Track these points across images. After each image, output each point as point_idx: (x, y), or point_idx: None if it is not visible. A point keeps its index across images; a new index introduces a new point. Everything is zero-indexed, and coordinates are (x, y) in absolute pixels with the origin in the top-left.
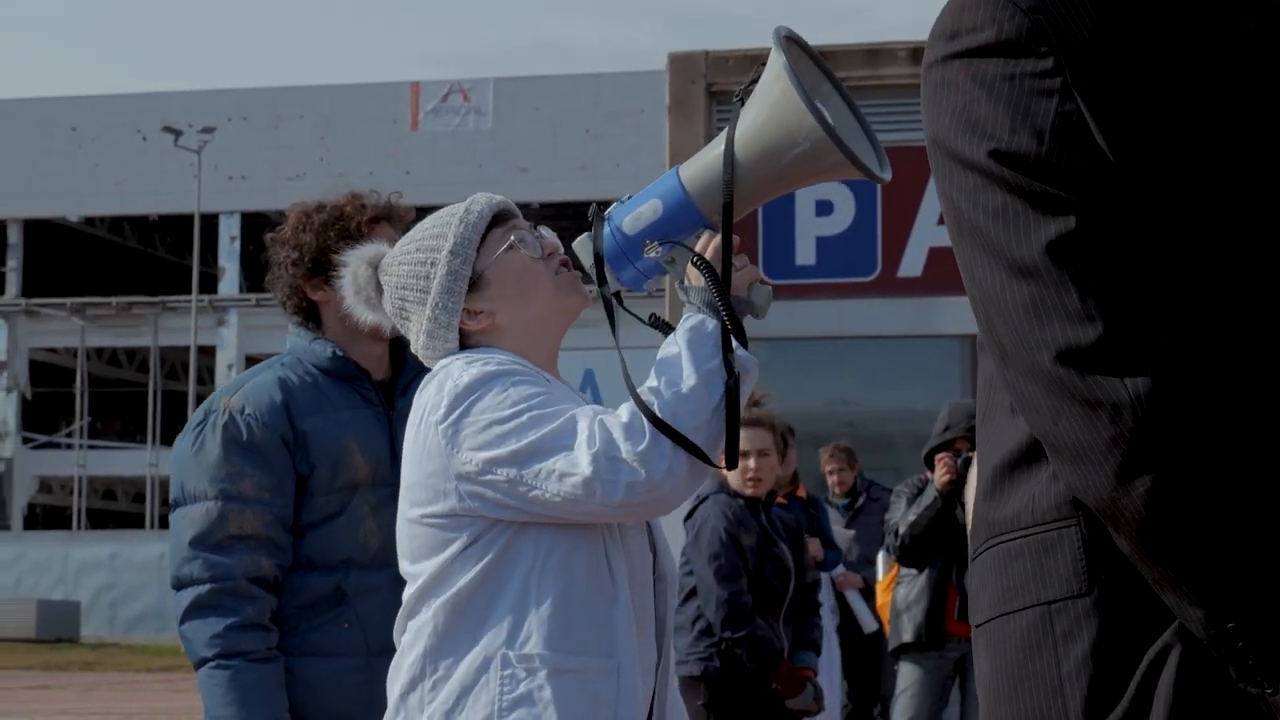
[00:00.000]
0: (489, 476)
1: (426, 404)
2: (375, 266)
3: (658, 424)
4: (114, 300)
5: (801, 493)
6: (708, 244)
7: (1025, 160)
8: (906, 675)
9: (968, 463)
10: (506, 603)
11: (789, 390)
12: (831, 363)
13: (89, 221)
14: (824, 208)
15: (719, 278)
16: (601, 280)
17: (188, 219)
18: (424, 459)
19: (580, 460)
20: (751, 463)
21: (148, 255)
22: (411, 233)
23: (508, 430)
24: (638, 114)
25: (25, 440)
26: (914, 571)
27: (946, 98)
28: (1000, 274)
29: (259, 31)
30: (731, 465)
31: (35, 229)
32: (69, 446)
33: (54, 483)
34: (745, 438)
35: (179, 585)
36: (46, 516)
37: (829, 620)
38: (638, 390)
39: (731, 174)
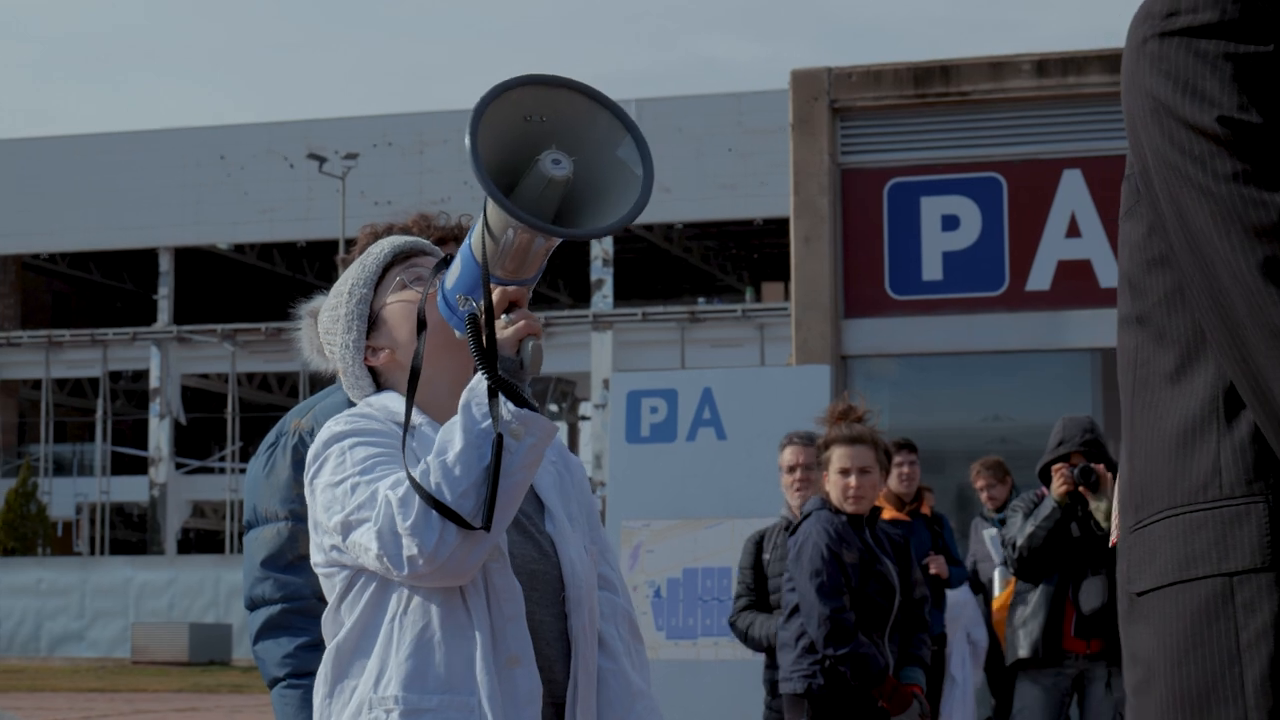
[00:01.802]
0: (335, 535)
1: None
2: (315, 316)
3: (423, 495)
4: (264, 326)
5: (926, 509)
6: (501, 300)
7: (1256, 130)
8: (1023, 693)
9: (1085, 473)
10: (374, 648)
11: (933, 406)
12: (973, 378)
13: (238, 249)
14: (950, 222)
15: (480, 339)
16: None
17: (335, 244)
18: (310, 513)
19: (371, 537)
20: (852, 480)
21: (296, 281)
22: (337, 280)
23: (335, 498)
24: (780, 131)
25: (178, 465)
26: (1030, 587)
27: (1165, 69)
28: (1235, 236)
29: (402, 58)
30: (487, 527)
31: (186, 257)
32: (221, 471)
33: (206, 507)
34: (846, 455)
35: (251, 606)
36: (199, 540)
37: (961, 642)
38: (427, 458)
39: (484, 238)
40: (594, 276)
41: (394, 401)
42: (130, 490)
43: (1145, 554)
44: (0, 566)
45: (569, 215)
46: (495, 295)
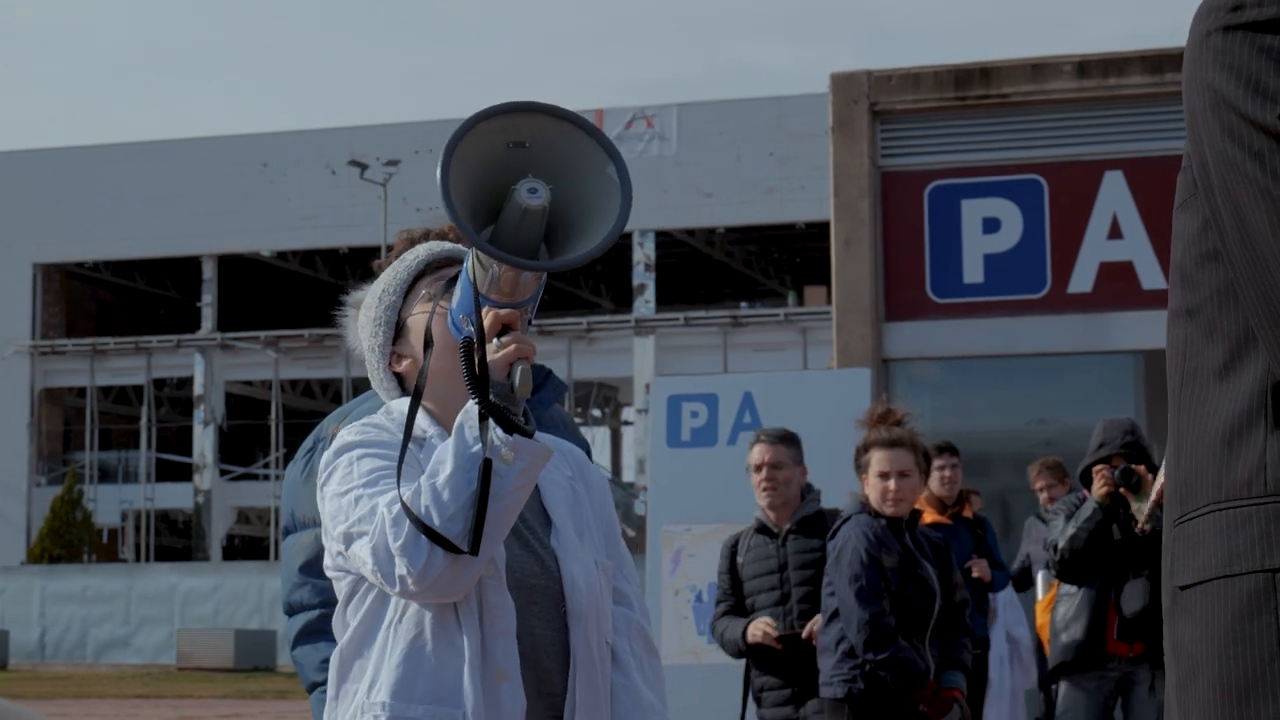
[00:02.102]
0: (339, 544)
1: None
2: (359, 309)
3: (411, 518)
4: (306, 332)
5: (968, 513)
6: (493, 324)
7: None
8: (1066, 696)
9: (1126, 474)
10: (372, 653)
11: (974, 409)
12: (1015, 381)
13: (281, 255)
14: (990, 225)
15: (471, 363)
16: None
17: (377, 251)
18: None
19: (368, 552)
20: (892, 484)
21: (339, 287)
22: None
23: (340, 508)
24: (821, 135)
25: (222, 472)
26: (1073, 590)
27: (1228, 63)
28: None
29: (443, 65)
30: (474, 551)
31: (229, 264)
32: (265, 478)
33: (251, 513)
34: (886, 458)
35: (290, 611)
36: (244, 547)
37: (1000, 643)
38: (420, 479)
39: (475, 264)
40: (636, 281)
41: (388, 411)
42: (175, 497)
43: (1189, 548)
44: (47, 574)
45: (559, 239)
46: (488, 319)
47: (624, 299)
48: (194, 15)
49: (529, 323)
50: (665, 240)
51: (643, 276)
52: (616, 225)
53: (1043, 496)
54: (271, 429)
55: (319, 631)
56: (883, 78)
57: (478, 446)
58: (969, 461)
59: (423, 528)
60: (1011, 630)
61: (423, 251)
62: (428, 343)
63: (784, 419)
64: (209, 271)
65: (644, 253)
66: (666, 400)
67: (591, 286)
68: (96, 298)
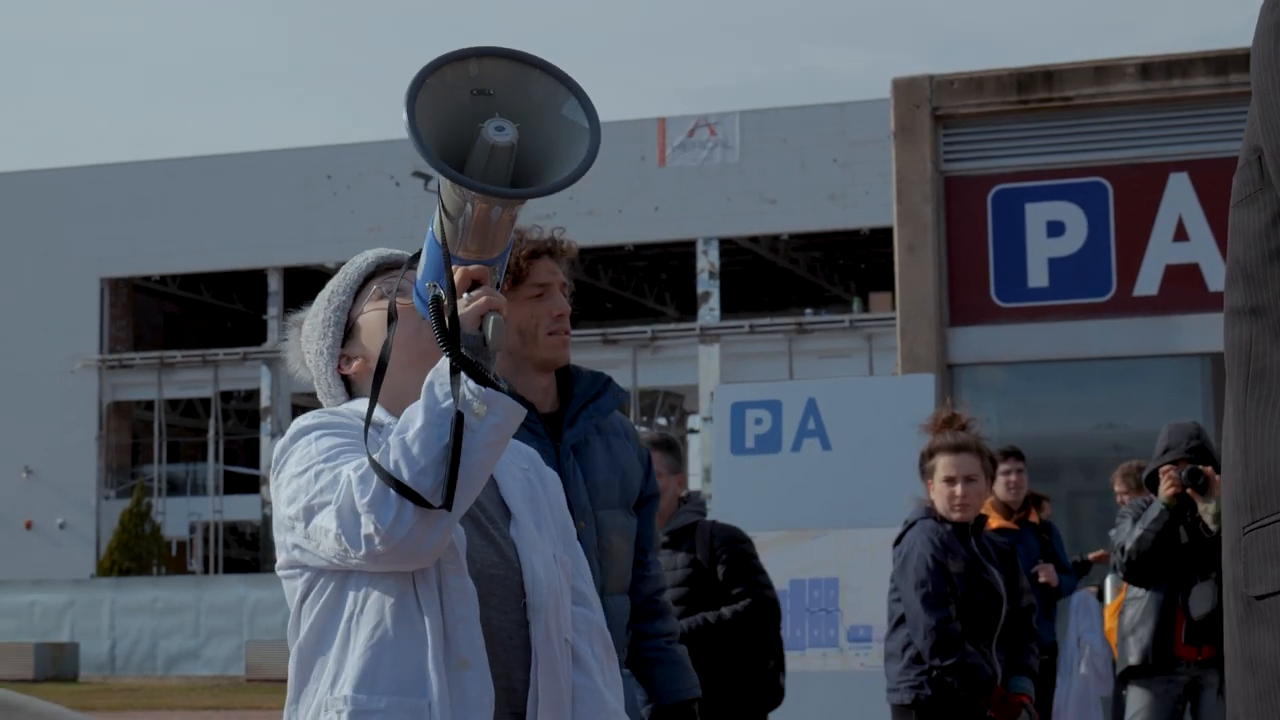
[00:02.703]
0: (296, 531)
1: None
2: (300, 326)
3: (380, 473)
4: None
5: (1034, 518)
6: (462, 280)
7: None
8: (1136, 700)
9: (1193, 475)
10: (332, 648)
11: (1040, 414)
12: (1082, 385)
13: None
14: (1055, 228)
15: (441, 317)
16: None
17: None
18: (274, 514)
19: (331, 517)
20: (958, 489)
21: None
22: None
23: (299, 487)
24: (885, 140)
25: None
26: (1141, 594)
27: None
28: None
29: None
30: (448, 506)
31: (294, 276)
32: None
33: None
34: (951, 463)
35: None
36: None
37: (1071, 647)
38: (388, 438)
39: (442, 221)
40: (700, 289)
41: (364, 406)
42: (243, 509)
43: (1265, 555)
44: (116, 586)
45: (527, 183)
46: (457, 275)
47: (689, 307)
48: (257, 29)
49: (498, 285)
50: (729, 248)
51: (707, 284)
52: (586, 159)
53: (1121, 500)
54: None
55: None
56: (945, 82)
57: (448, 401)
58: (1036, 466)
59: (392, 482)
60: (1084, 635)
61: (372, 255)
62: (391, 316)
63: (849, 425)
64: (275, 284)
65: (708, 260)
66: (731, 407)
67: (656, 295)
68: (163, 311)
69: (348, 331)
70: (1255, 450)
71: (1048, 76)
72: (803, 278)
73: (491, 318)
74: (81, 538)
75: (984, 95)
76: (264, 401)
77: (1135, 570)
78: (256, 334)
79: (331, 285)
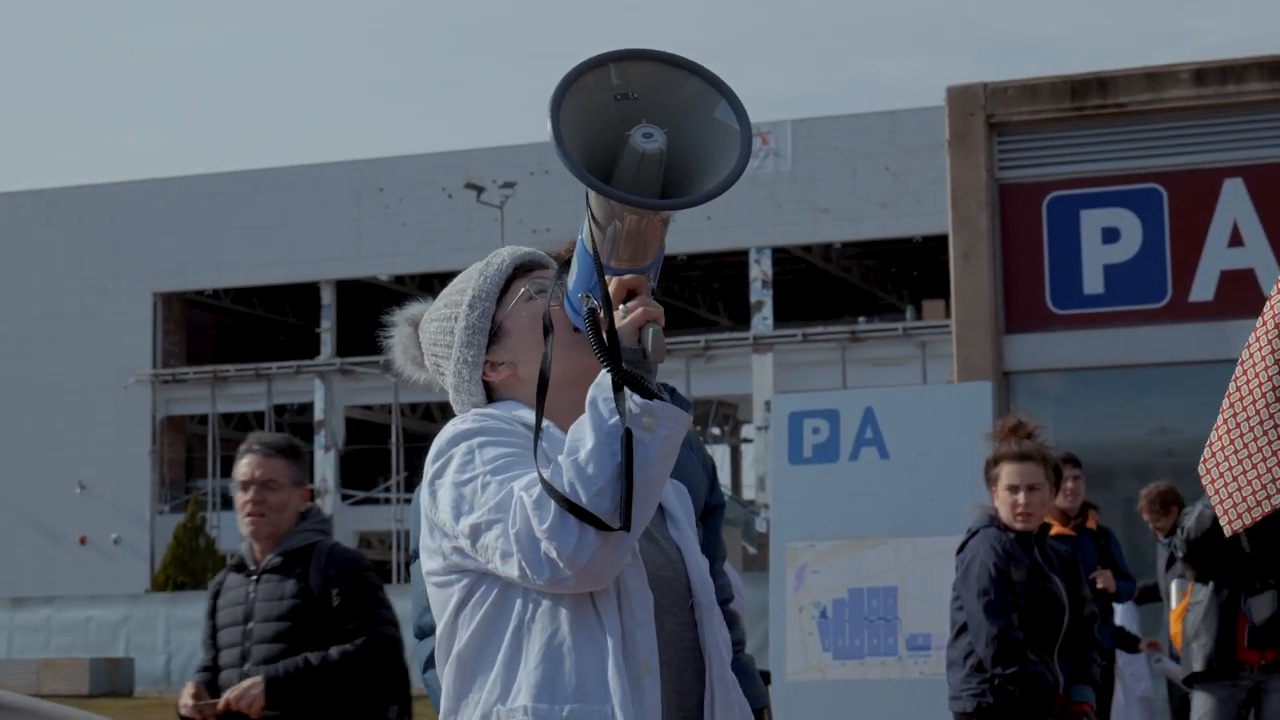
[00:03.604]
0: (459, 539)
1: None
2: (415, 325)
3: (556, 497)
4: None
5: (1091, 524)
6: (618, 290)
7: None
8: (1200, 705)
9: None
10: (500, 657)
11: (1097, 420)
12: (1138, 391)
13: (399, 280)
14: (1110, 235)
15: (599, 332)
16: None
17: None
18: (423, 518)
19: (509, 540)
20: (1021, 497)
21: None
22: (444, 290)
23: (463, 496)
24: (936, 148)
25: (344, 497)
26: (1202, 599)
27: None
28: None
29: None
30: (627, 526)
31: (347, 289)
32: (386, 501)
33: (373, 537)
34: (1015, 472)
35: (420, 634)
36: None
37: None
38: (559, 458)
39: (591, 231)
40: (753, 299)
41: (515, 409)
42: None
43: None
44: (171, 601)
45: (676, 189)
46: (611, 286)
47: (742, 316)
48: (307, 42)
49: (653, 291)
50: (782, 257)
51: (760, 293)
52: (739, 164)
53: (1151, 525)
54: (392, 453)
55: None
56: (999, 90)
57: (615, 418)
58: (1090, 472)
59: (569, 506)
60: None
61: (507, 254)
62: (547, 330)
63: (906, 434)
64: (327, 297)
65: (761, 269)
66: (788, 417)
67: (709, 304)
68: (216, 325)
69: (493, 337)
70: None
71: (1101, 83)
72: (855, 286)
73: (650, 329)
74: (136, 553)
75: (1038, 102)
76: (317, 415)
77: (1193, 551)
78: (310, 347)
79: (470, 290)
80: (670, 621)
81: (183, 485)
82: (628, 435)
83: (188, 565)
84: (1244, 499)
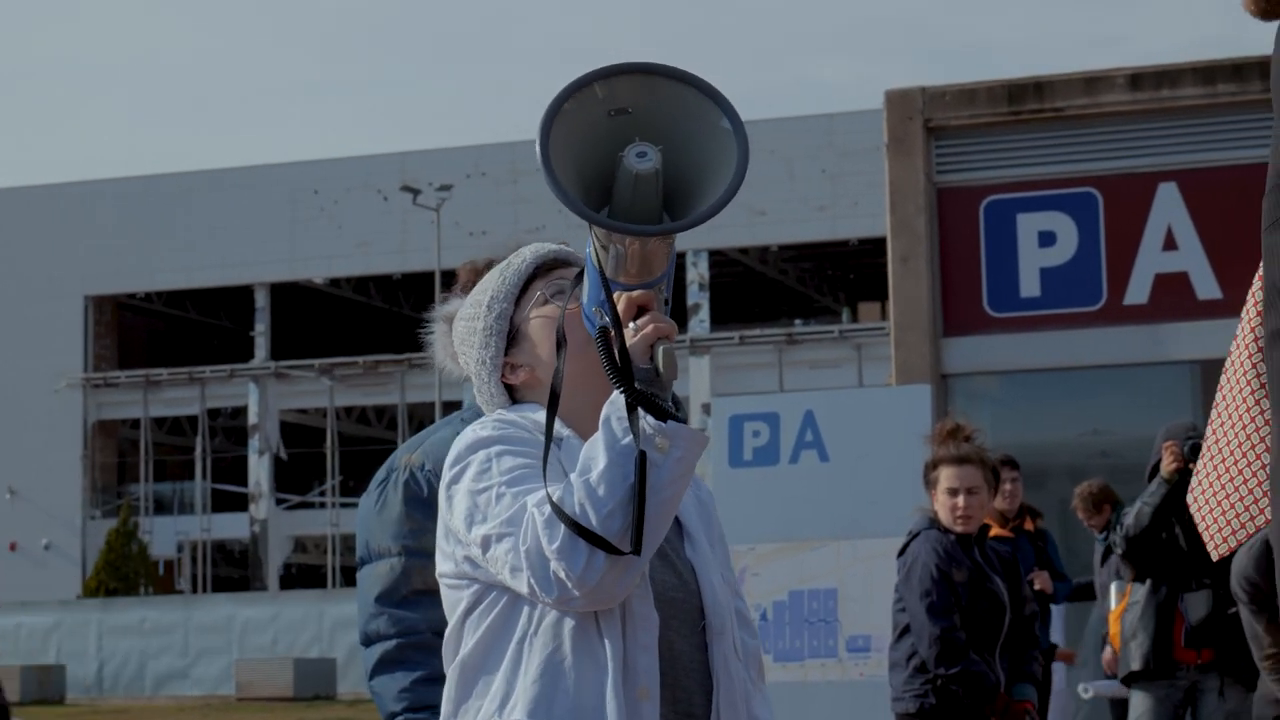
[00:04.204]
0: (470, 547)
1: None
2: (450, 322)
3: (565, 520)
4: (361, 360)
5: (1030, 525)
6: (627, 308)
7: None
8: (1138, 704)
9: (1195, 449)
10: (502, 668)
11: (1034, 422)
12: (1074, 393)
13: (334, 283)
14: (1046, 238)
15: (610, 351)
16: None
17: (431, 276)
18: (439, 520)
19: (518, 557)
20: (960, 500)
21: (393, 314)
22: (475, 286)
23: (477, 505)
24: (873, 151)
25: (279, 501)
26: (1140, 599)
27: None
28: None
29: (492, 87)
30: (637, 550)
31: (282, 292)
32: (322, 506)
33: (308, 542)
34: (954, 474)
35: (367, 641)
36: (301, 575)
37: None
38: (571, 476)
39: (595, 249)
40: (691, 301)
41: (537, 412)
42: (231, 527)
43: None
44: (103, 607)
45: (680, 203)
46: (621, 304)
47: (679, 318)
48: (241, 44)
49: (665, 301)
50: (719, 259)
51: (697, 296)
52: (736, 177)
53: (1085, 523)
54: (327, 457)
55: (397, 661)
56: (937, 94)
57: (628, 438)
58: (1026, 473)
59: (578, 529)
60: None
61: (529, 254)
62: (560, 343)
63: (846, 436)
64: (262, 300)
65: (698, 272)
66: (728, 420)
67: None
68: (149, 328)
69: (511, 339)
70: None
71: (1038, 88)
72: (792, 288)
73: (662, 347)
74: (67, 558)
75: (975, 107)
76: (251, 418)
77: (1133, 548)
78: (244, 350)
79: (490, 289)
80: (679, 643)
81: (115, 490)
82: (641, 457)
83: (120, 571)
84: (1229, 522)
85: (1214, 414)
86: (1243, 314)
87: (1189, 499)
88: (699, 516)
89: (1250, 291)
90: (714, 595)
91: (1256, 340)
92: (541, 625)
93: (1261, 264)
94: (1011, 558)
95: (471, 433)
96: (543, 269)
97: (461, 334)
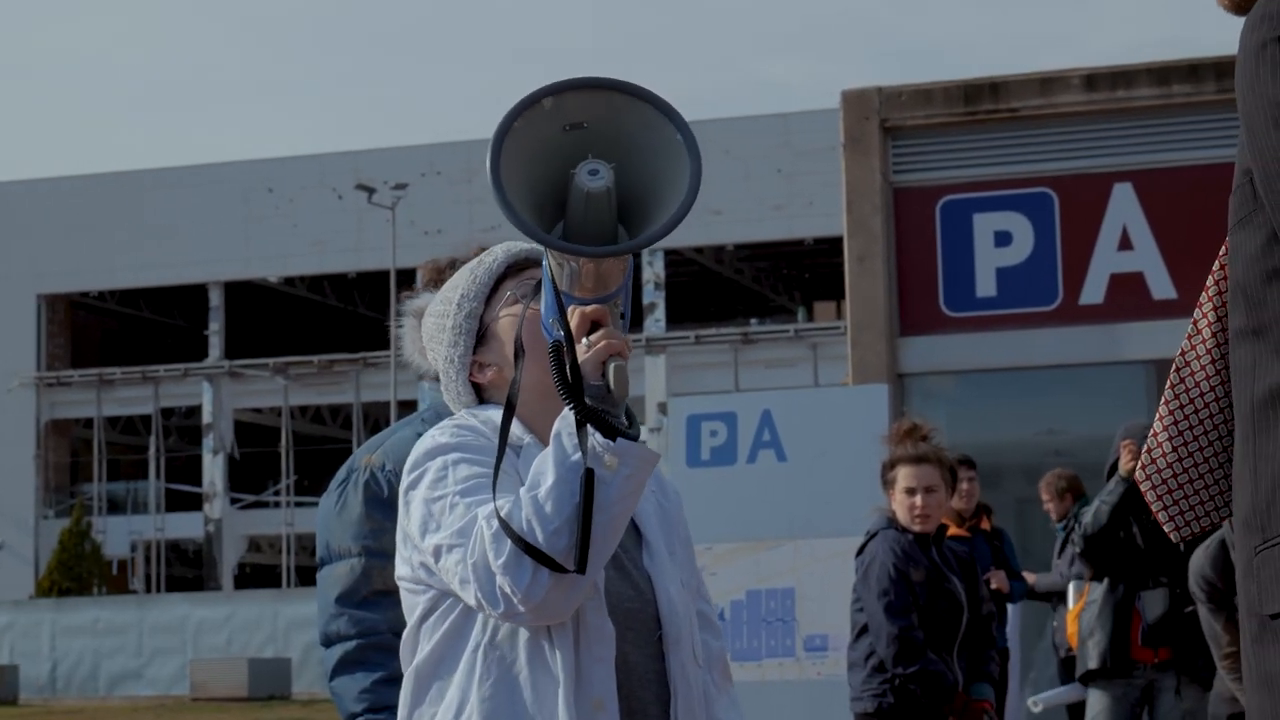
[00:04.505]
0: (425, 553)
1: None
2: (420, 318)
3: (511, 536)
4: (316, 359)
5: (986, 525)
6: (580, 323)
7: None
8: (1095, 703)
9: None
10: (455, 677)
11: (990, 422)
12: (1029, 392)
13: (289, 281)
14: (1002, 238)
15: (562, 367)
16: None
17: (386, 275)
18: (398, 525)
19: (467, 569)
20: (918, 499)
21: (348, 312)
22: (446, 283)
23: (431, 514)
24: (828, 151)
25: (233, 501)
26: (1097, 598)
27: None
28: None
29: (447, 87)
30: (581, 569)
31: (236, 291)
32: (276, 505)
33: (263, 541)
34: (912, 474)
35: (327, 642)
36: (256, 575)
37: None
38: (520, 491)
39: (549, 264)
40: (646, 300)
41: (500, 415)
42: (185, 527)
43: (1277, 575)
44: (56, 607)
45: (636, 218)
46: (574, 319)
47: (634, 318)
48: (195, 40)
49: (621, 315)
50: (674, 259)
51: (652, 295)
52: (689, 194)
53: (1045, 505)
54: (281, 456)
55: (357, 662)
56: (893, 94)
57: (577, 455)
58: (981, 472)
59: (525, 546)
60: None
61: (500, 253)
62: (518, 352)
63: (803, 436)
64: (216, 299)
65: (653, 271)
66: (686, 419)
67: None
68: (102, 327)
69: (480, 338)
70: (1264, 471)
71: (994, 88)
72: (748, 288)
73: (613, 364)
74: (20, 558)
75: (932, 107)
76: (205, 418)
77: (1092, 546)
78: (198, 349)
79: (460, 287)
80: (634, 655)
81: (68, 490)
82: (589, 474)
83: (73, 571)
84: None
85: (1169, 394)
86: (1199, 303)
87: (1139, 475)
88: (660, 523)
89: (1204, 287)
90: (670, 605)
91: (1211, 327)
92: (497, 637)
93: (1217, 260)
94: (969, 557)
95: (430, 439)
96: (514, 268)
97: (431, 330)
